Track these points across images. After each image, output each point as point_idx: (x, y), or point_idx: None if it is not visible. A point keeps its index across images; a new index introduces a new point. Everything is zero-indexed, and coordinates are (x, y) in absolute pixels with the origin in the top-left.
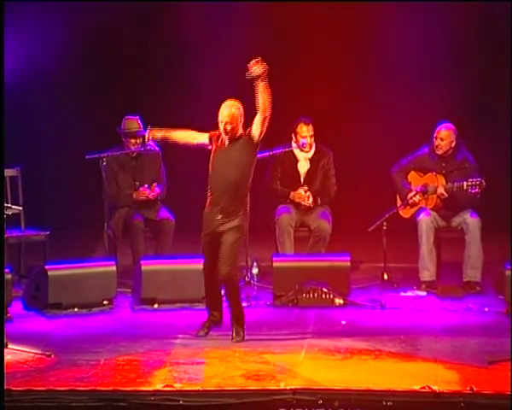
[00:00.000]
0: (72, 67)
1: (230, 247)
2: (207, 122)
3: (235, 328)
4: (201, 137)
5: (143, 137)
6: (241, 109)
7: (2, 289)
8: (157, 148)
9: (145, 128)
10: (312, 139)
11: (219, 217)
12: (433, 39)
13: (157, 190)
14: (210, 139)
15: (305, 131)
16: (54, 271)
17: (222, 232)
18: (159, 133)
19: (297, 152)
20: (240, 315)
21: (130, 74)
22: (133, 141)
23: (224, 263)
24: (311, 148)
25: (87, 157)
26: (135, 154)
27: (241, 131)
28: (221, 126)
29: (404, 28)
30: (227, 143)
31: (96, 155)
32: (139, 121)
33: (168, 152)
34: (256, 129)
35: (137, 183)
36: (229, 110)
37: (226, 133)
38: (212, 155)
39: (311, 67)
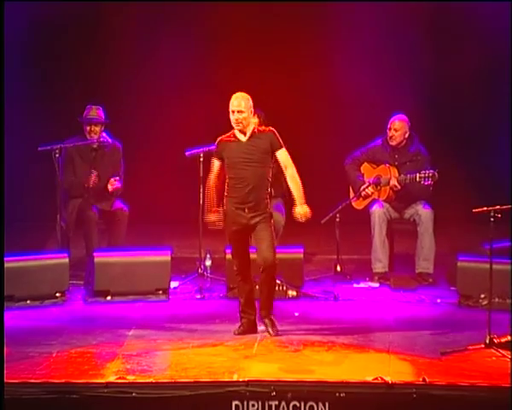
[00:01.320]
0: (25, 55)
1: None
2: (170, 109)
3: (269, 319)
4: (217, 167)
5: (102, 126)
6: (251, 101)
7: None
8: (109, 140)
9: (106, 118)
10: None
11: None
12: (386, 32)
13: (118, 184)
14: (221, 155)
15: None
16: (6, 263)
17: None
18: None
19: None
20: (272, 305)
21: (86, 64)
22: (88, 128)
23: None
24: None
25: (40, 149)
26: (96, 145)
27: (253, 124)
28: (232, 117)
29: (359, 21)
30: (244, 137)
31: (49, 147)
32: (100, 110)
33: (124, 144)
34: (279, 160)
35: (95, 173)
36: (238, 100)
37: (238, 123)
38: (229, 153)
39: (264, 62)
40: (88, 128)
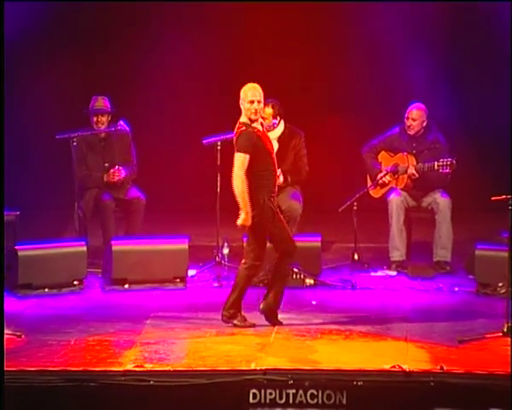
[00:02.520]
0: (40, 43)
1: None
2: (188, 97)
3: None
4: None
5: (109, 116)
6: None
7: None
8: (127, 128)
9: (112, 108)
10: (274, 119)
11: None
12: (405, 20)
13: (122, 173)
14: (252, 148)
15: (266, 113)
16: (24, 251)
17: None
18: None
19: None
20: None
21: (102, 53)
22: (95, 119)
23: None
24: (273, 127)
25: (57, 137)
26: (103, 134)
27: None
28: (251, 107)
29: (378, 9)
30: (261, 127)
31: (67, 135)
32: (106, 100)
33: (138, 132)
34: None
35: (107, 164)
36: (255, 90)
37: (256, 114)
38: (261, 144)
39: (282, 47)
40: (95, 119)
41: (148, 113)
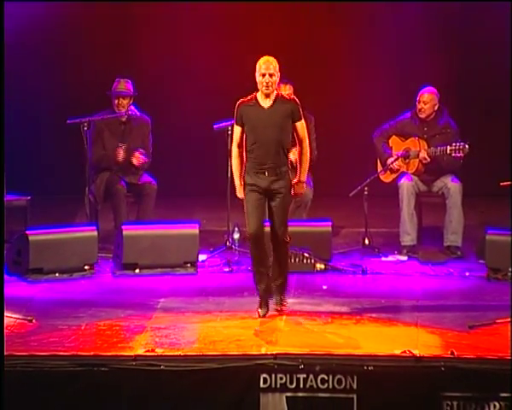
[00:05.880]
0: (53, 27)
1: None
2: (199, 81)
3: (279, 296)
4: (239, 134)
5: (131, 99)
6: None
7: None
8: (138, 112)
9: (135, 91)
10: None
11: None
12: (418, 6)
13: (143, 158)
14: (241, 120)
15: (282, 91)
16: (35, 236)
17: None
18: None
19: None
20: (286, 282)
21: (113, 37)
22: (117, 101)
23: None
24: None
25: (68, 122)
26: (125, 118)
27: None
28: (262, 80)
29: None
30: (269, 102)
31: (78, 120)
32: (128, 83)
33: (152, 117)
34: (296, 132)
35: (123, 147)
36: (269, 63)
37: (267, 87)
38: (249, 117)
39: (294, 32)
40: (116, 101)
41: (158, 97)
